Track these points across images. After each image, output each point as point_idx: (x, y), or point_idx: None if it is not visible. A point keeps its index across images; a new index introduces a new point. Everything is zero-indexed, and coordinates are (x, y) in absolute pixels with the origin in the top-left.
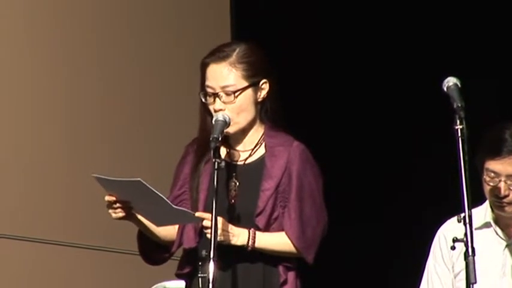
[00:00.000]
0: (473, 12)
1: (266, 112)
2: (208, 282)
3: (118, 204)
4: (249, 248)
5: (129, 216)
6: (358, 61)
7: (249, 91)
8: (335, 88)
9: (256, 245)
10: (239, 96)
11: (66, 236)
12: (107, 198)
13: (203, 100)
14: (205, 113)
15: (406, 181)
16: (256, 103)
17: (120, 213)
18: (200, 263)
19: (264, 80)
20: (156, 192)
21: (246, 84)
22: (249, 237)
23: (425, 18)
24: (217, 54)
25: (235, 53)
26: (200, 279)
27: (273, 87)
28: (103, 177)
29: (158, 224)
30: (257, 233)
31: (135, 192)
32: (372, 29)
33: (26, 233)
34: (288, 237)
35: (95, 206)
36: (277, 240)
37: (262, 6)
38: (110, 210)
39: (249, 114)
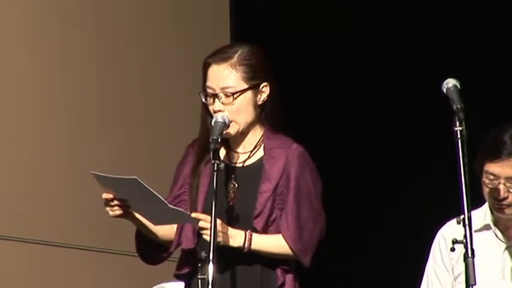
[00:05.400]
0: (473, 13)
1: (266, 115)
2: (208, 284)
3: (115, 202)
4: (245, 250)
5: (127, 214)
6: (357, 63)
7: (249, 93)
8: (335, 90)
9: (253, 246)
10: (238, 98)
11: (65, 238)
12: (104, 195)
13: (203, 100)
14: (206, 113)
15: (405, 183)
16: (256, 106)
17: (117, 211)
18: (199, 265)
19: (264, 83)
20: (152, 191)
21: (245, 86)
22: (245, 239)
23: (425, 19)
24: (219, 55)
25: (236, 55)
26: (199, 281)
27: (274, 91)
28: (101, 174)
29: (156, 223)
30: (254, 234)
31: (132, 190)
32: (372, 30)
33: (24, 235)
34: (285, 239)
35: (94, 207)
36: (273, 243)
37: (261, 6)
38: (107, 208)
39: (248, 116)
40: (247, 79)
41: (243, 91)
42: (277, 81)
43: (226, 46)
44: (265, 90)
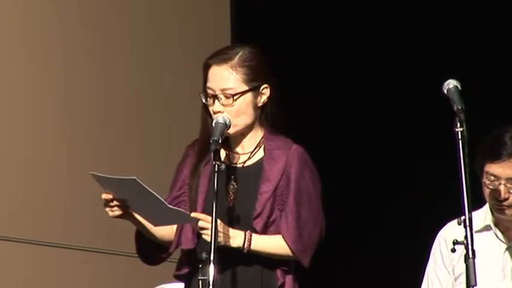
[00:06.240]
0: (473, 13)
1: (266, 117)
2: (208, 285)
3: (115, 203)
4: (245, 250)
5: (126, 215)
6: (358, 63)
7: (249, 95)
8: (335, 90)
9: (252, 247)
10: (238, 100)
11: (65, 238)
12: (104, 196)
13: (203, 101)
14: (207, 114)
15: (406, 184)
16: (256, 107)
17: (117, 212)
18: (200, 265)
19: (264, 85)
20: (151, 191)
21: (245, 88)
22: (244, 239)
23: (426, 20)
24: (220, 56)
25: (237, 56)
26: (200, 282)
27: (274, 93)
28: (100, 174)
29: (155, 224)
30: (253, 235)
31: (131, 190)
32: (372, 31)
33: (24, 235)
34: (284, 240)
35: (94, 208)
36: (273, 243)
37: (262, 7)
38: (107, 209)
39: (247, 117)
40: (247, 81)
41: (242, 93)
42: (278, 82)
43: (227, 47)
44: (266, 92)
